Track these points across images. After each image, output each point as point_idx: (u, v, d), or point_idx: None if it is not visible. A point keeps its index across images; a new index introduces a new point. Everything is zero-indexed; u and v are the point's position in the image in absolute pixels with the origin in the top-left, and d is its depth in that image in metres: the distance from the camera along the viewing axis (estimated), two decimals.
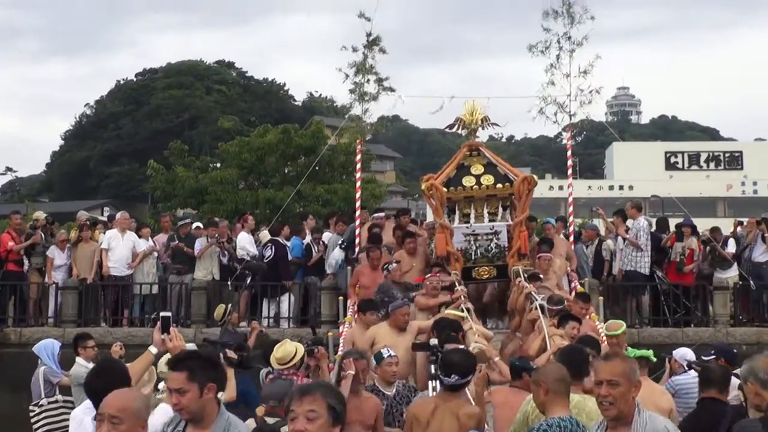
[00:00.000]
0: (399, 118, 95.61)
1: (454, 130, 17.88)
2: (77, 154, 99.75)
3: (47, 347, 12.87)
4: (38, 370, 12.64)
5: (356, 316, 13.90)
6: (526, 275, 14.63)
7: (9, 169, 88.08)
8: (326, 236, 19.67)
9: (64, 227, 22.21)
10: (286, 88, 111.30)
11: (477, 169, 16.69)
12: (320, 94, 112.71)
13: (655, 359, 9.67)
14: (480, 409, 8.04)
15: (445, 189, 16.29)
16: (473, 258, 16.39)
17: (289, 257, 19.48)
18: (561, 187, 73.18)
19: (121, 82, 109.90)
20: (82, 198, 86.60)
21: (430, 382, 8.66)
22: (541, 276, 14.94)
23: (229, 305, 15.72)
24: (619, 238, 19.23)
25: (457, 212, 16.56)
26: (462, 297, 13.53)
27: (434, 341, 9.47)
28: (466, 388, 8.30)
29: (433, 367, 8.55)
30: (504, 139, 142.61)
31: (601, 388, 5.71)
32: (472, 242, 16.39)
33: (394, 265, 15.24)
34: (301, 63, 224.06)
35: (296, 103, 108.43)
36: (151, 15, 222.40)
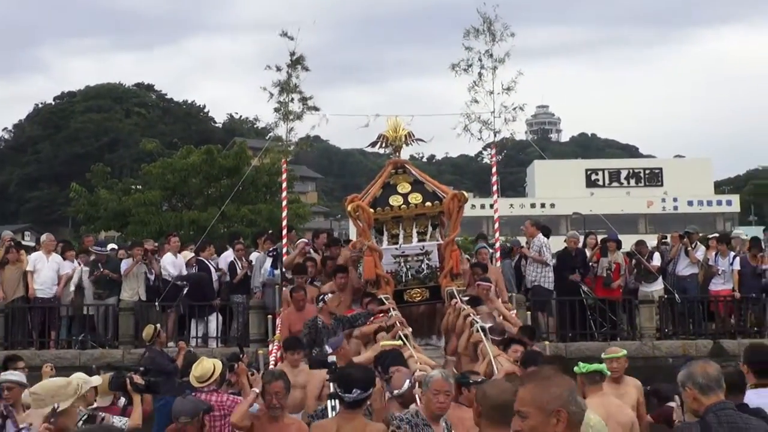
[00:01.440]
0: (320, 139, 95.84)
1: (377, 147, 17.44)
2: None
3: None
4: None
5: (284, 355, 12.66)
6: (465, 298, 14.16)
7: None
8: (254, 256, 19.89)
9: None
10: (206, 110, 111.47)
11: (404, 187, 16.06)
12: (240, 116, 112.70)
13: (609, 373, 9.08)
14: (385, 426, 7.70)
15: (371, 210, 15.64)
16: (404, 280, 15.74)
17: (214, 277, 19.64)
18: (483, 206, 74.06)
19: (39, 105, 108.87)
20: (2, 223, 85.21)
21: (328, 401, 8.41)
22: (483, 300, 14.44)
23: (157, 325, 15.80)
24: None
25: (385, 233, 15.96)
26: (397, 323, 12.89)
27: (332, 357, 9.50)
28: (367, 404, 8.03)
29: (332, 385, 8.34)
30: (425, 159, 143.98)
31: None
32: (402, 264, 15.74)
33: (330, 296, 14.50)
34: (222, 84, 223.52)
35: (217, 125, 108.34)
36: (65, 39, 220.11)
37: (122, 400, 10.05)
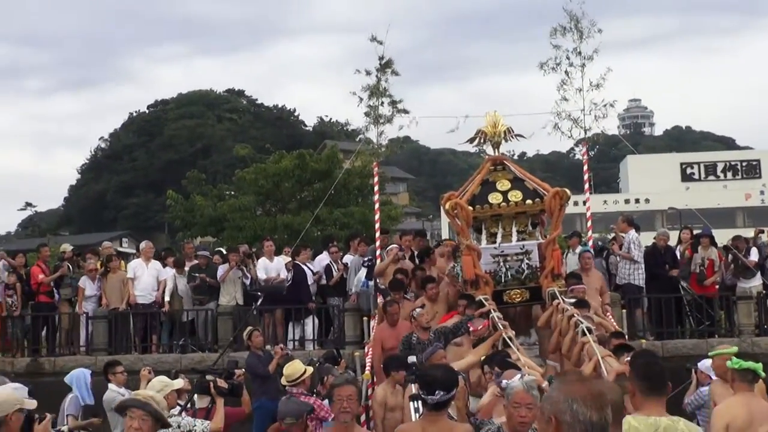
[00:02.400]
0: (410, 140, 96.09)
1: (475, 144, 16.79)
2: (94, 187, 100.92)
3: (79, 376, 13.24)
4: (65, 399, 13.02)
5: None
6: (570, 300, 13.63)
7: (28, 204, 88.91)
8: (347, 258, 20.10)
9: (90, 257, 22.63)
10: (296, 113, 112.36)
11: (503, 184, 15.50)
12: (330, 119, 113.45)
13: (764, 374, 8.22)
14: (471, 426, 7.57)
15: (470, 207, 15.16)
16: (503, 280, 15.22)
17: (309, 281, 19.87)
18: (576, 203, 73.30)
19: (134, 114, 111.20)
20: (100, 230, 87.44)
21: (411, 403, 8.00)
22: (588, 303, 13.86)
23: (249, 328, 16.15)
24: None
25: (484, 231, 15.49)
26: (501, 327, 12.33)
27: (412, 358, 9.20)
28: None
29: (413, 386, 7.97)
30: (516, 156, 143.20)
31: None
32: (501, 263, 15.20)
33: (419, 310, 13.74)
34: (310, 87, 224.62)
35: (307, 128, 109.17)
36: (147, 48, 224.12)
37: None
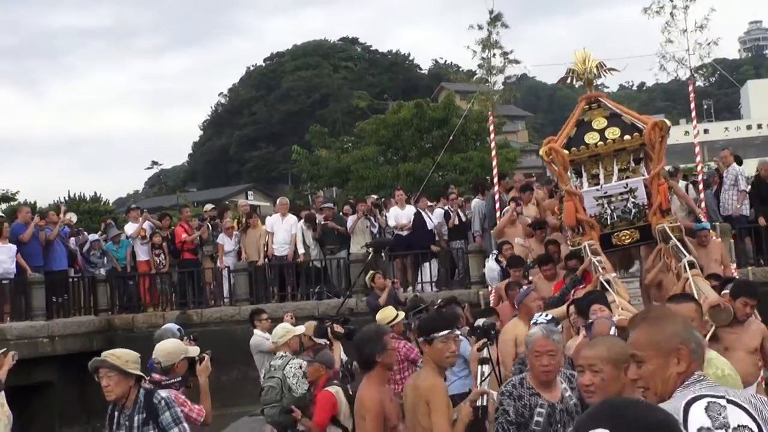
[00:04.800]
0: (526, 77, 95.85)
1: (567, 82, 16.09)
2: (216, 142, 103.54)
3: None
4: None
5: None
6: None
7: (155, 162, 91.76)
8: (474, 203, 20.54)
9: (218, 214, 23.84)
10: (411, 58, 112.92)
11: (599, 122, 14.46)
12: (445, 60, 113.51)
13: None
14: None
15: (566, 151, 14.21)
16: (609, 222, 14.27)
17: (429, 226, 20.78)
18: (687, 133, 72.28)
19: (251, 68, 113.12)
20: (226, 184, 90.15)
21: (479, 367, 7.24)
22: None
23: (371, 272, 17.26)
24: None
25: (584, 174, 14.43)
26: (595, 271, 12.22)
27: (481, 321, 8.82)
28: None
29: (486, 350, 7.44)
30: (635, 87, 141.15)
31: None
32: (605, 205, 14.23)
33: (527, 287, 12.27)
34: (422, 28, 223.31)
35: (422, 72, 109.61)
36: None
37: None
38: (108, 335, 20.71)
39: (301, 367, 10.04)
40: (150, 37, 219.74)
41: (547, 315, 7.79)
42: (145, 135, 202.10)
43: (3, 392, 11.88)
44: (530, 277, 14.62)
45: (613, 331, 7.68)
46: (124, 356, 7.19)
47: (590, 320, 8.63)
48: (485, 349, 7.44)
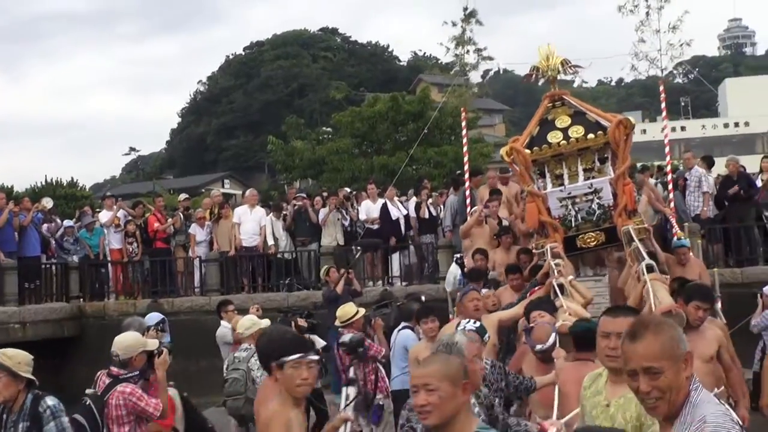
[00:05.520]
0: (505, 71, 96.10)
1: (532, 80, 15.63)
2: (194, 130, 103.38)
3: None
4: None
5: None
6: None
7: (132, 148, 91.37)
8: (451, 199, 20.49)
9: (192, 203, 24.08)
10: (390, 49, 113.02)
11: (563, 121, 13.95)
12: (424, 53, 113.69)
13: None
14: None
15: (528, 150, 13.73)
16: (574, 224, 13.75)
17: (394, 217, 20.84)
18: (674, 129, 72.68)
19: (230, 57, 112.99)
20: (202, 172, 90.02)
21: (344, 389, 7.54)
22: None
23: (326, 266, 17.67)
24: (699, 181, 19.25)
25: (548, 175, 13.95)
26: (552, 273, 11.75)
27: (347, 337, 9.63)
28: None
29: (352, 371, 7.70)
30: (613, 83, 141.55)
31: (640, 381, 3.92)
32: (569, 207, 13.72)
33: (468, 286, 11.78)
34: (402, 19, 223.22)
35: (401, 64, 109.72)
36: None
37: None
38: (79, 322, 20.92)
39: None
40: (134, 21, 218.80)
41: (475, 322, 7.41)
42: (125, 120, 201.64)
43: None
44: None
45: (553, 337, 7.77)
46: (16, 357, 6.98)
47: (531, 325, 8.57)
48: (351, 369, 7.50)
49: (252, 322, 11.17)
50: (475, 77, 19.78)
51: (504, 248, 15.33)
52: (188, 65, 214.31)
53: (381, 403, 11.45)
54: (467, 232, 16.06)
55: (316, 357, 5.86)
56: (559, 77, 14.94)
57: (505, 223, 16.26)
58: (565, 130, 13.78)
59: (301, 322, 11.64)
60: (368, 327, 12.15)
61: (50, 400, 7.00)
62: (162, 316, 13.63)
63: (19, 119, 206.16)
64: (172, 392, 9.11)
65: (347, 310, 12.04)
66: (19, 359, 6.93)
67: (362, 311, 12.08)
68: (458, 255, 17.00)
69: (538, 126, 14.15)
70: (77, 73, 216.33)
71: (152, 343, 8.38)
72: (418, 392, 4.40)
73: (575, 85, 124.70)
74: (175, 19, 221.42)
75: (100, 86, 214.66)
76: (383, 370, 11.95)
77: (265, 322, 11.75)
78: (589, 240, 13.76)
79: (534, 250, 13.77)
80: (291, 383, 5.69)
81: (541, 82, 15.52)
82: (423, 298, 14.38)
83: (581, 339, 7.06)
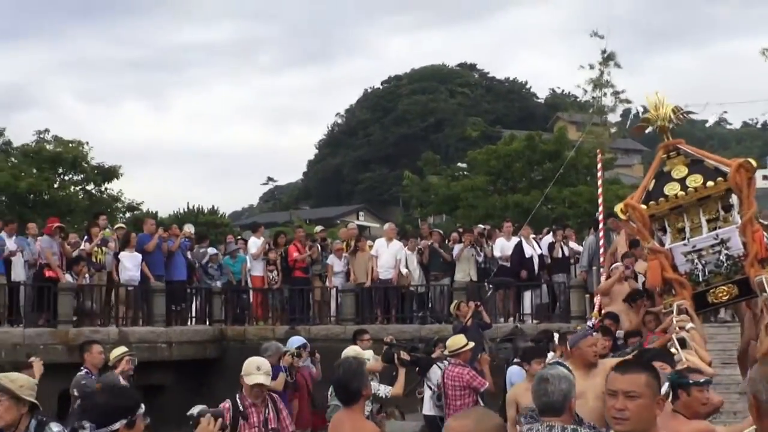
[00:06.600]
0: (645, 110, 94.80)
1: (646, 132, 15.21)
2: (331, 161, 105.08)
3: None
4: None
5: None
6: None
7: (270, 178, 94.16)
8: (590, 240, 20.84)
9: (328, 234, 24.80)
10: (527, 86, 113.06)
11: (679, 171, 13.10)
12: (562, 90, 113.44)
13: None
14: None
15: (643, 206, 12.92)
16: (702, 279, 12.77)
17: (527, 254, 21.14)
18: None
19: (368, 90, 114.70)
20: (338, 203, 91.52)
21: None
22: None
23: (457, 301, 18.12)
24: None
25: (669, 230, 13.15)
26: (674, 327, 10.97)
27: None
28: None
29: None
30: (759, 125, 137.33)
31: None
32: (695, 261, 12.80)
33: (586, 329, 12.15)
34: (541, 56, 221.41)
35: (539, 101, 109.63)
36: (379, 19, 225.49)
37: None
38: (220, 345, 21.81)
39: None
40: (272, 53, 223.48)
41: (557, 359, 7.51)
42: (262, 150, 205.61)
43: None
44: None
45: (665, 387, 7.08)
46: (18, 380, 6.68)
47: None
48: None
49: (355, 352, 11.47)
50: (613, 117, 19.77)
51: (637, 311, 15.01)
52: (325, 97, 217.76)
53: None
54: (606, 291, 15.84)
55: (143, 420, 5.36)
56: (696, 117, 14.14)
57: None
58: (682, 181, 12.91)
59: (404, 355, 12.12)
60: (475, 361, 12.73)
61: (55, 427, 6.70)
62: (304, 341, 14.45)
63: (161, 146, 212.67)
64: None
65: (457, 340, 12.68)
66: (22, 382, 6.65)
67: (471, 344, 12.63)
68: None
69: (654, 179, 13.30)
70: (216, 102, 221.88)
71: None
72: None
73: (709, 124, 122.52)
74: (314, 50, 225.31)
75: (238, 116, 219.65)
76: (482, 403, 12.51)
77: (368, 353, 12.30)
78: (721, 294, 12.74)
79: (662, 311, 13.08)
80: None
81: (648, 131, 14.77)
82: (556, 336, 14.48)
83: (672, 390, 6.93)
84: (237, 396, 8.79)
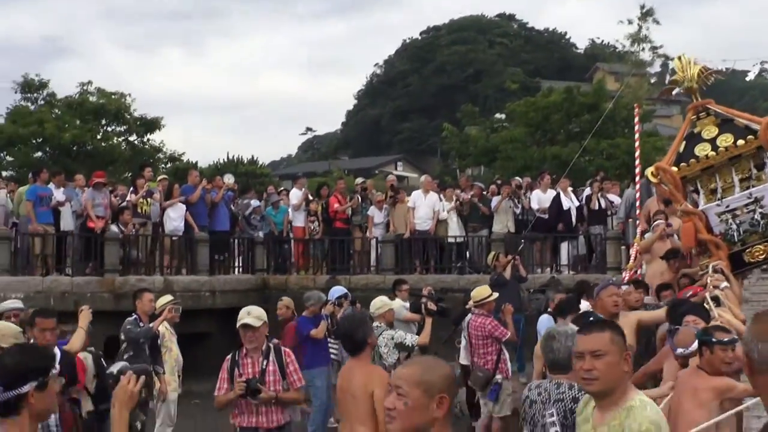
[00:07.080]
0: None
1: (674, 94, 15.12)
2: (370, 112, 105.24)
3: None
4: None
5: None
6: None
7: (309, 128, 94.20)
8: (628, 192, 21.17)
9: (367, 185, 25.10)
10: (567, 36, 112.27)
11: (709, 131, 12.93)
12: (602, 41, 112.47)
13: None
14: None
15: (674, 168, 12.78)
16: (738, 239, 12.67)
17: (565, 207, 21.43)
18: None
19: (407, 41, 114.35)
20: (376, 154, 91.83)
21: None
22: None
23: (495, 252, 18.57)
24: None
25: (701, 191, 13.03)
26: (709, 284, 10.71)
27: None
28: None
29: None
30: None
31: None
32: (730, 221, 12.70)
33: (608, 279, 12.78)
34: (581, 4, 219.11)
35: (578, 51, 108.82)
36: None
37: None
38: (263, 293, 22.29)
39: (392, 338, 11.19)
40: (310, 2, 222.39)
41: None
42: (300, 100, 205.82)
43: (175, 337, 13.47)
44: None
45: (695, 345, 7.35)
46: (2, 329, 6.79)
47: (676, 327, 8.20)
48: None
49: (382, 303, 11.82)
50: (652, 69, 19.78)
51: (672, 271, 14.51)
52: (364, 48, 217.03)
53: (500, 382, 12.66)
54: (647, 248, 15.59)
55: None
56: (737, 69, 13.58)
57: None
58: (713, 141, 12.84)
59: (431, 305, 12.45)
60: (499, 312, 13.12)
61: None
62: (345, 291, 14.90)
63: (198, 95, 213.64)
64: (83, 355, 9.71)
65: (481, 291, 13.04)
66: (5, 332, 6.70)
67: (495, 295, 12.97)
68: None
69: (684, 141, 13.25)
70: (254, 51, 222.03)
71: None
72: (390, 392, 4.02)
73: (749, 78, 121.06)
74: (352, 1, 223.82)
75: (277, 65, 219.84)
76: (506, 353, 13.09)
77: (397, 303, 12.67)
78: (757, 253, 12.71)
79: (699, 272, 12.75)
80: None
81: (675, 92, 14.63)
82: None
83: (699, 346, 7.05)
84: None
